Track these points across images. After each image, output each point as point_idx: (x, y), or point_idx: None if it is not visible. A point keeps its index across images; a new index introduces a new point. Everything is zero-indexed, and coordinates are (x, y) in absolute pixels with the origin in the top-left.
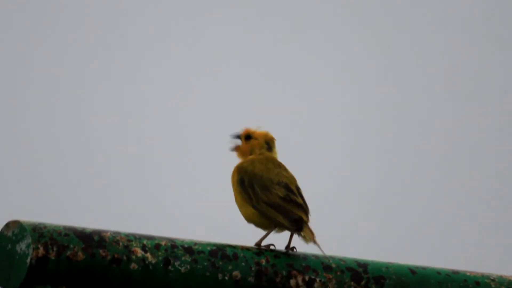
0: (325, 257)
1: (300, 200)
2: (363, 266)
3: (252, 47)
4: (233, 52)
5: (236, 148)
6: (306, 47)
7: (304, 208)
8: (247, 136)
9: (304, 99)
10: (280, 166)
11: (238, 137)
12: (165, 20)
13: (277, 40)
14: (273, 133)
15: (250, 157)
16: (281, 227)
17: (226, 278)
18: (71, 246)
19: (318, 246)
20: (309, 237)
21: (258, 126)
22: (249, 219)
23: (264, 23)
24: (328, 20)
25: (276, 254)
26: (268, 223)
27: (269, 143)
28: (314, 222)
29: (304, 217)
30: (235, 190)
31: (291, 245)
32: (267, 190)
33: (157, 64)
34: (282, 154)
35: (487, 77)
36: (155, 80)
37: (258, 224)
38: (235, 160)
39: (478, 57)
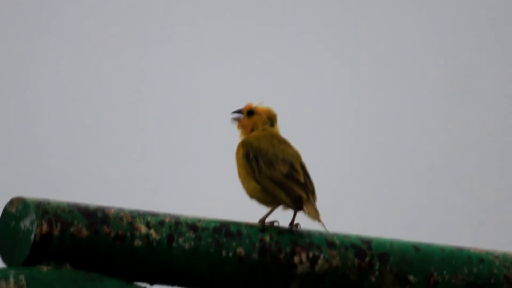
0: (329, 234)
1: (302, 179)
2: (367, 243)
3: (253, 41)
4: (235, 44)
5: (238, 122)
6: (307, 45)
7: (305, 187)
8: (250, 112)
9: (304, 97)
10: (285, 142)
11: (240, 112)
12: (164, 15)
13: (278, 33)
14: (275, 109)
15: (254, 133)
16: (282, 204)
17: (230, 254)
18: (75, 222)
19: (322, 224)
20: (313, 215)
21: (261, 101)
22: (252, 195)
23: (266, 17)
24: (328, 20)
25: (280, 231)
26: (270, 200)
27: (272, 119)
28: (318, 199)
29: (304, 196)
30: (239, 165)
31: (295, 222)
32: (271, 165)
33: (156, 59)
34: (285, 131)
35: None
36: (155, 75)
37: (260, 200)
38: (236, 140)
39: (478, 57)
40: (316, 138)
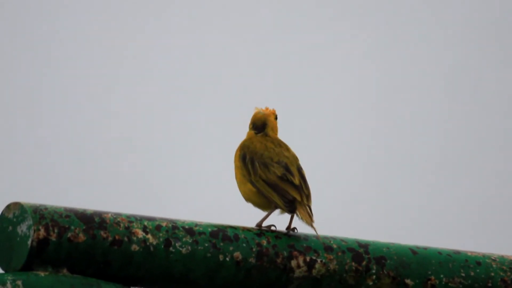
0: (326, 237)
1: (296, 181)
2: (364, 246)
3: (254, 44)
4: (235, 48)
5: None
6: (310, 44)
7: (300, 189)
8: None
9: (305, 96)
10: (281, 146)
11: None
12: (166, 14)
13: (283, 31)
14: (270, 112)
15: (250, 135)
16: (277, 207)
17: (227, 259)
18: (72, 227)
19: (314, 229)
20: (306, 219)
21: (256, 106)
22: (247, 198)
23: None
24: (328, 20)
25: (277, 235)
26: (265, 203)
27: (255, 122)
28: (315, 203)
29: (298, 198)
30: (236, 167)
31: (292, 226)
32: (266, 167)
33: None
34: (283, 134)
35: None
36: (156, 75)
37: (256, 204)
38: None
39: (478, 57)
40: (313, 142)
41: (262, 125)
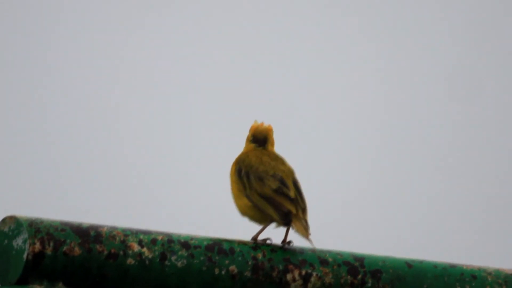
0: (321, 251)
1: (292, 194)
2: (360, 260)
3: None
4: (237, 53)
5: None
6: (311, 46)
7: (295, 202)
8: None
9: (306, 98)
10: (277, 159)
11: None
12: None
13: (281, 35)
14: (271, 127)
15: (246, 149)
16: (272, 221)
17: (223, 272)
18: (68, 241)
19: (310, 242)
20: (302, 232)
21: (256, 119)
22: (243, 212)
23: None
24: (327, 20)
25: (273, 248)
26: (261, 217)
27: (256, 136)
28: (310, 216)
29: (294, 211)
30: (232, 182)
31: (288, 239)
32: (261, 181)
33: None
34: (281, 144)
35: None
36: (155, 75)
37: (252, 217)
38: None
39: (478, 57)
40: (307, 152)
41: (263, 139)
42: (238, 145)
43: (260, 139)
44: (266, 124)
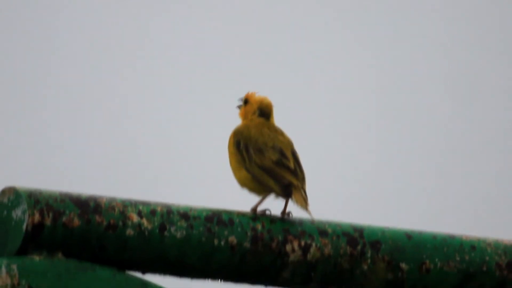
0: (321, 222)
1: (292, 165)
2: (359, 231)
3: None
4: (239, 36)
5: (240, 110)
6: (311, 41)
7: (295, 173)
8: (246, 100)
9: (302, 88)
10: (276, 131)
11: (242, 99)
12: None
13: (281, 35)
14: (272, 99)
15: (245, 122)
16: (272, 192)
17: (222, 243)
18: (67, 212)
19: (309, 213)
20: (301, 203)
21: (257, 90)
22: (242, 184)
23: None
24: (327, 20)
25: (272, 219)
26: (261, 189)
27: (262, 109)
28: (309, 187)
29: (295, 182)
30: (230, 154)
31: (287, 210)
32: (261, 153)
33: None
34: (281, 119)
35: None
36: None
37: (251, 189)
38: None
39: (479, 56)
40: (311, 126)
41: (269, 112)
42: (232, 117)
43: (267, 112)
44: (260, 94)
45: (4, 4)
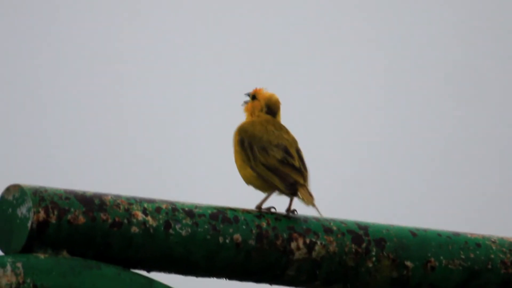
0: (326, 219)
1: (297, 163)
2: (364, 228)
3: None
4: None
5: (245, 106)
6: (314, 36)
7: (301, 171)
8: (254, 96)
9: (305, 88)
10: (281, 129)
11: (249, 95)
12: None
13: (283, 32)
14: (279, 96)
15: (249, 119)
16: (278, 190)
17: (227, 241)
18: (72, 209)
19: (317, 209)
20: (308, 200)
21: (265, 86)
22: (248, 181)
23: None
24: (327, 20)
25: (277, 217)
26: (266, 186)
27: (270, 106)
28: (314, 184)
29: (300, 180)
30: (235, 152)
31: (292, 208)
32: (265, 151)
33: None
34: (286, 116)
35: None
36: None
37: (257, 187)
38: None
39: (479, 56)
40: (315, 125)
41: (277, 109)
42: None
43: (274, 110)
44: (267, 91)
45: (4, 4)
